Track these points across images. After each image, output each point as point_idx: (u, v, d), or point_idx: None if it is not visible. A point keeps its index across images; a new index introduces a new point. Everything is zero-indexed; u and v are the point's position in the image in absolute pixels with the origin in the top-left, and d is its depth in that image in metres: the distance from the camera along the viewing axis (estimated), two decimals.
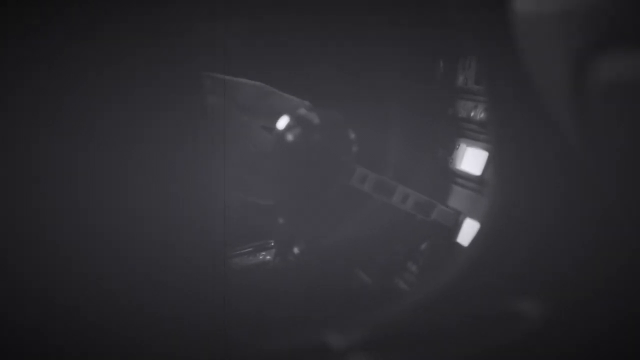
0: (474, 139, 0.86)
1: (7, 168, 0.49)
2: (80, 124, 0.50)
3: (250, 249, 0.81)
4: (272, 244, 0.78)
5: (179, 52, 0.54)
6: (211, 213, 0.56)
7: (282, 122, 0.74)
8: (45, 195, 0.50)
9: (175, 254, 0.53)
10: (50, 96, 0.49)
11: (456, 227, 0.84)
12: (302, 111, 0.75)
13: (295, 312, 0.71)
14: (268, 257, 0.80)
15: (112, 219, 0.51)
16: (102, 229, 0.51)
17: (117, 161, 0.51)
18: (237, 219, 0.77)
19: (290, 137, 0.73)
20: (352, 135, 0.75)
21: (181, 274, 0.53)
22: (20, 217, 0.49)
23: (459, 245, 0.81)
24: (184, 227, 0.54)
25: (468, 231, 0.82)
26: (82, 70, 0.50)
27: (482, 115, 0.83)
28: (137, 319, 0.52)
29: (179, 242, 0.53)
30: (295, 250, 0.79)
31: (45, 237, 0.50)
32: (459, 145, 0.89)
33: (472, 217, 0.82)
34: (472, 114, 0.85)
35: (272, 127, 0.74)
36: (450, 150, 0.90)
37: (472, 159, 0.86)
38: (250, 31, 0.89)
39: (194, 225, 0.54)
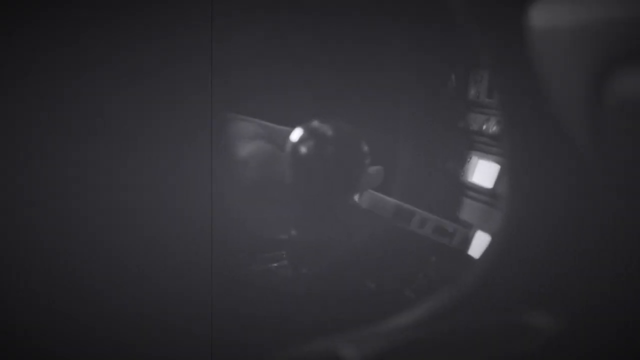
0: (486, 151, 0.87)
1: (5, 167, 0.49)
2: (75, 124, 0.50)
3: (262, 258, 0.82)
4: (284, 255, 0.79)
5: (177, 53, 0.54)
6: (199, 213, 0.56)
7: (295, 135, 0.74)
8: (39, 194, 0.50)
9: (164, 254, 0.53)
10: (49, 96, 0.50)
11: (468, 240, 0.84)
12: (315, 123, 0.75)
13: (295, 317, 0.71)
14: (281, 268, 0.80)
15: (101, 218, 0.51)
16: (92, 228, 0.51)
17: (108, 162, 0.51)
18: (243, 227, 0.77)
19: (303, 149, 0.74)
20: (365, 148, 0.75)
21: (169, 274, 0.53)
22: (16, 216, 0.50)
23: (471, 258, 0.82)
24: (172, 227, 0.54)
25: (479, 244, 0.82)
26: (79, 70, 0.50)
27: (494, 128, 0.83)
28: (125, 318, 0.52)
29: (168, 243, 0.54)
30: (307, 261, 0.80)
31: (33, 236, 0.50)
32: (470, 158, 0.89)
33: (484, 229, 0.82)
34: (484, 127, 0.86)
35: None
36: (461, 163, 0.90)
37: (483, 172, 0.86)
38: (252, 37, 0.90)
39: (182, 226, 0.54)
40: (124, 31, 0.51)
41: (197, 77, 0.56)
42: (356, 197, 0.83)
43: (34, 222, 0.50)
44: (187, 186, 0.56)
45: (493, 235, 0.69)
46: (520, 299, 0.61)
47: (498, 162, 0.83)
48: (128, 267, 0.52)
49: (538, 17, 0.54)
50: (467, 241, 0.83)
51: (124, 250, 0.52)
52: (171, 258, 0.54)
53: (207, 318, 0.55)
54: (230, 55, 0.86)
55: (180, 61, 0.54)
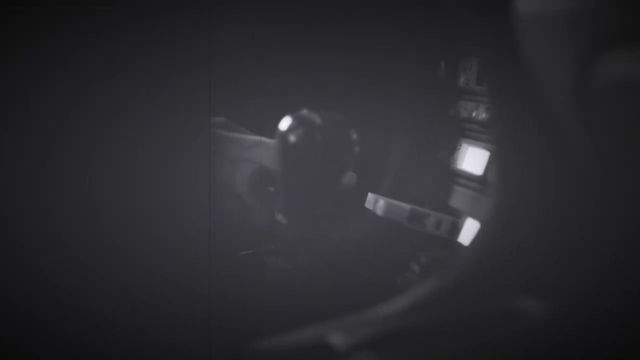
0: (476, 139, 0.87)
1: (7, 168, 0.49)
2: (77, 124, 0.50)
3: (251, 252, 0.82)
4: (273, 247, 0.79)
5: (177, 57, 0.54)
6: (196, 209, 0.56)
7: (285, 123, 0.74)
8: (42, 195, 0.50)
9: (161, 249, 0.53)
10: (49, 96, 0.50)
11: (458, 227, 0.84)
12: (304, 112, 0.75)
13: (291, 310, 0.71)
14: (272, 259, 0.80)
15: (100, 215, 0.51)
16: (92, 225, 0.51)
17: (109, 163, 0.51)
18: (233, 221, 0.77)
19: (292, 138, 0.74)
20: (354, 136, 0.75)
21: (167, 269, 0.54)
22: (20, 216, 0.50)
23: (461, 245, 0.82)
24: (169, 222, 0.54)
25: (469, 231, 0.82)
26: (80, 71, 0.50)
27: (484, 115, 0.83)
28: (125, 312, 0.52)
29: (165, 238, 0.54)
30: (300, 251, 0.80)
31: (33, 237, 0.50)
32: (460, 145, 0.89)
33: (474, 217, 0.82)
34: (473, 114, 0.86)
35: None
36: (451, 151, 0.90)
37: (473, 159, 0.86)
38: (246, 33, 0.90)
39: (179, 221, 0.54)
40: (125, 33, 0.51)
41: (196, 78, 0.56)
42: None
43: (35, 222, 0.50)
44: (186, 184, 0.56)
45: (482, 222, 0.69)
46: (509, 285, 0.61)
47: (488, 149, 0.83)
48: (128, 265, 0.52)
49: (524, 4, 0.54)
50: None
51: (123, 246, 0.52)
52: (170, 253, 0.54)
53: (206, 302, 0.55)
54: (230, 57, 0.87)
55: (179, 62, 0.54)
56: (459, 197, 0.88)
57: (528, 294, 0.59)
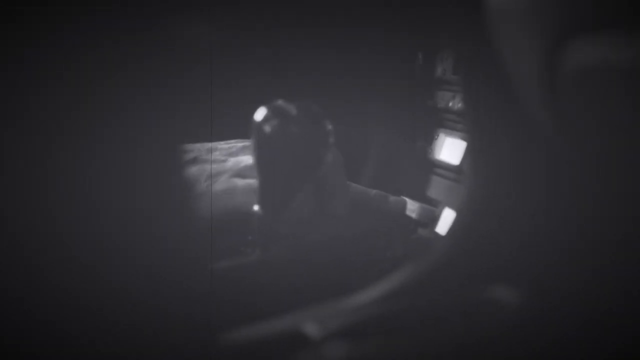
0: (453, 128, 0.87)
1: (7, 168, 0.49)
2: (79, 124, 0.50)
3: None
4: (250, 238, 0.78)
5: (178, 57, 0.54)
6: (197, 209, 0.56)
7: (260, 114, 0.74)
8: (42, 195, 0.50)
9: (161, 248, 0.53)
10: (48, 97, 0.50)
11: (435, 217, 0.84)
12: (280, 103, 0.75)
13: (274, 303, 0.71)
14: (248, 250, 0.80)
15: (100, 215, 0.51)
16: (93, 226, 0.51)
17: (110, 163, 0.51)
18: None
19: (267, 128, 0.74)
20: (329, 127, 0.75)
21: (167, 270, 0.53)
22: (22, 216, 0.50)
23: (438, 235, 0.82)
24: (170, 222, 0.54)
25: (446, 221, 0.82)
26: (82, 71, 0.50)
27: (460, 105, 0.84)
28: (125, 313, 0.52)
29: (166, 237, 0.54)
30: (276, 241, 0.80)
31: (34, 237, 0.50)
32: (437, 135, 0.89)
33: (451, 207, 0.83)
34: (450, 104, 0.86)
35: None
36: (429, 141, 0.90)
37: (450, 149, 0.86)
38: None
39: (180, 221, 0.54)
40: (125, 32, 0.51)
41: (197, 77, 0.56)
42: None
43: (36, 223, 0.50)
44: (187, 184, 0.56)
45: (457, 211, 0.69)
46: (482, 273, 0.61)
47: (464, 139, 0.83)
48: (128, 265, 0.52)
49: None
50: None
51: (123, 246, 0.52)
52: (170, 253, 0.54)
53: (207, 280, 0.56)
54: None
55: (179, 62, 0.54)
56: (436, 187, 0.88)
57: (500, 282, 0.60)
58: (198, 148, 0.84)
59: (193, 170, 0.82)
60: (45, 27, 0.48)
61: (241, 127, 0.80)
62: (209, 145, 0.84)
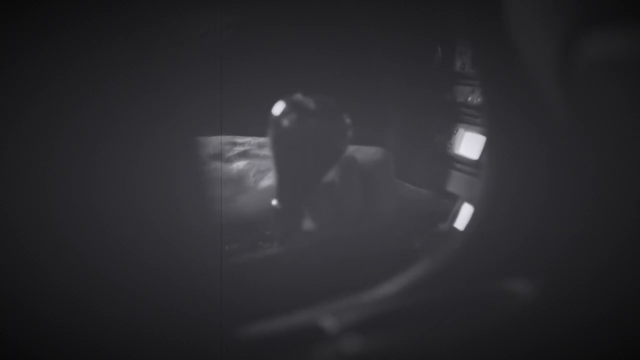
0: (472, 123, 0.87)
1: (10, 167, 0.49)
2: (85, 125, 0.51)
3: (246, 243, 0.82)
4: (268, 233, 0.79)
5: (187, 57, 0.54)
6: (208, 207, 0.56)
7: (278, 108, 0.74)
8: (42, 195, 0.50)
9: (171, 248, 0.54)
10: (49, 97, 0.50)
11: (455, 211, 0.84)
12: (298, 97, 0.75)
13: (291, 297, 0.72)
14: (266, 245, 0.81)
15: (109, 215, 0.51)
16: (100, 225, 0.51)
17: (117, 161, 0.52)
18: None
19: (285, 122, 0.74)
20: (348, 120, 0.75)
21: (177, 269, 0.54)
22: (23, 215, 0.50)
23: (456, 229, 0.82)
24: (180, 220, 0.54)
25: (466, 215, 0.82)
26: (85, 71, 0.51)
27: (479, 99, 0.83)
28: (133, 313, 0.52)
29: (176, 236, 0.54)
30: (293, 235, 0.80)
31: (36, 238, 0.50)
32: (457, 130, 0.89)
33: (470, 201, 0.82)
34: (469, 98, 0.86)
35: None
36: (448, 135, 0.90)
37: (470, 144, 0.86)
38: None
39: (190, 219, 0.55)
40: (131, 33, 0.51)
41: (206, 77, 0.56)
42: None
43: (38, 223, 0.50)
44: (196, 183, 0.56)
45: (475, 205, 0.69)
46: (499, 267, 0.61)
47: (483, 134, 0.83)
48: (132, 262, 0.53)
49: None
50: None
51: (129, 247, 0.52)
52: (180, 251, 0.54)
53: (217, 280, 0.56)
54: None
55: (188, 61, 0.54)
56: (455, 182, 0.88)
57: (517, 275, 0.59)
58: (249, 142, 0.84)
59: (242, 164, 0.82)
60: (54, 21, 0.49)
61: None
62: (261, 139, 0.84)
